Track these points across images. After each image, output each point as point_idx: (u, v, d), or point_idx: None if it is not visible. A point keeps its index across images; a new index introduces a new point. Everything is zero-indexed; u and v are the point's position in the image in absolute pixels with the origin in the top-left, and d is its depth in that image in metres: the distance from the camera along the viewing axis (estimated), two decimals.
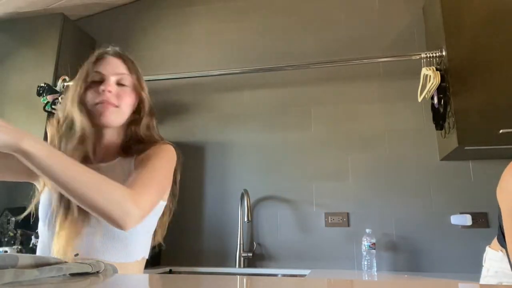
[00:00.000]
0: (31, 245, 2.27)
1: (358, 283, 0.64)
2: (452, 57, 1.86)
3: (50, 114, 2.31)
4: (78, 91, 0.98)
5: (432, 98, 1.96)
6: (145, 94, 1.09)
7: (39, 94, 2.28)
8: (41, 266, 0.57)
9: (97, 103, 0.97)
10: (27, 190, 2.79)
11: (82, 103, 0.97)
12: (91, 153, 0.98)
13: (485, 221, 1.96)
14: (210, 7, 2.67)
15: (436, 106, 1.93)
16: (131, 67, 1.06)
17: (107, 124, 0.98)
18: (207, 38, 2.62)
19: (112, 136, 1.03)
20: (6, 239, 2.33)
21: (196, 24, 2.66)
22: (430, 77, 1.87)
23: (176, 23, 2.70)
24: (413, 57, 2.05)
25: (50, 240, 0.99)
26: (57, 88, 2.33)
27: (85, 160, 0.95)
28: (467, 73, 1.82)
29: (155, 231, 1.10)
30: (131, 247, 0.97)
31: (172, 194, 1.11)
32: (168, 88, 2.53)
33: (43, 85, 2.30)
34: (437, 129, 2.00)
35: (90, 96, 0.98)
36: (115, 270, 0.71)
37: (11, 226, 2.36)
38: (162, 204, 1.07)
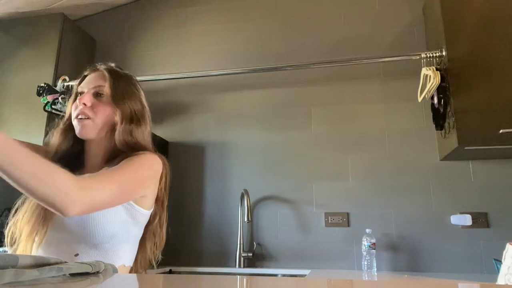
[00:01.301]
0: None
1: (358, 283, 0.64)
2: (452, 57, 1.86)
3: (50, 114, 2.31)
4: (68, 112, 1.06)
5: (432, 98, 1.96)
6: (128, 103, 1.08)
7: (39, 94, 2.28)
8: (41, 266, 0.57)
9: (75, 117, 1.03)
10: None
11: (69, 121, 1.06)
12: (79, 164, 1.05)
13: (485, 221, 1.96)
14: (210, 7, 2.67)
15: (436, 106, 1.93)
16: (114, 78, 1.07)
17: (83, 136, 1.03)
18: (207, 38, 2.62)
19: (96, 146, 1.06)
20: None
21: (196, 24, 2.66)
22: (430, 77, 1.87)
23: (176, 23, 2.70)
24: (413, 57, 2.05)
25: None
26: (57, 88, 2.33)
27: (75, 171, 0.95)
28: (467, 73, 1.82)
29: (144, 240, 1.10)
30: (110, 255, 0.99)
31: (159, 202, 1.11)
32: (168, 88, 2.54)
33: (43, 85, 2.29)
34: (437, 129, 2.00)
35: (72, 112, 1.05)
36: (115, 270, 0.71)
37: None
38: (145, 212, 1.07)
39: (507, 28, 1.81)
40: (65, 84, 2.39)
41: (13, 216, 1.06)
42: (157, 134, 2.30)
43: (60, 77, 2.38)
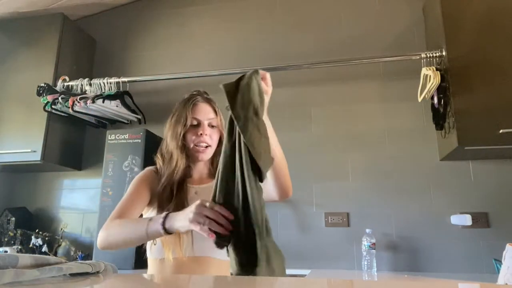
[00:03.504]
0: (31, 245, 2.27)
1: (358, 283, 0.64)
2: (452, 57, 1.86)
3: (50, 114, 2.31)
4: (178, 133, 1.22)
5: (432, 98, 1.96)
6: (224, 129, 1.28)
7: (39, 94, 2.28)
8: (41, 266, 0.57)
9: (196, 144, 1.22)
10: (27, 190, 2.80)
11: (183, 144, 1.22)
12: (188, 178, 1.24)
13: (485, 221, 1.96)
14: (210, 7, 2.67)
15: (436, 106, 1.93)
16: (216, 110, 1.28)
17: (203, 160, 1.25)
18: (207, 38, 2.62)
19: (204, 164, 1.29)
20: (6, 239, 2.33)
21: (196, 24, 2.66)
22: (430, 77, 1.87)
23: (176, 23, 2.70)
24: (413, 57, 2.05)
25: None
26: (57, 88, 2.33)
27: (183, 182, 1.21)
28: (467, 73, 1.82)
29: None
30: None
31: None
32: (168, 88, 2.53)
33: (43, 85, 2.30)
34: (437, 129, 2.00)
35: (190, 138, 1.22)
36: (115, 270, 0.71)
37: (11, 226, 2.36)
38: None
39: (507, 28, 1.81)
40: (65, 84, 2.39)
41: None
42: (157, 134, 2.30)
43: (60, 77, 2.39)
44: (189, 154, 1.23)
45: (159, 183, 1.19)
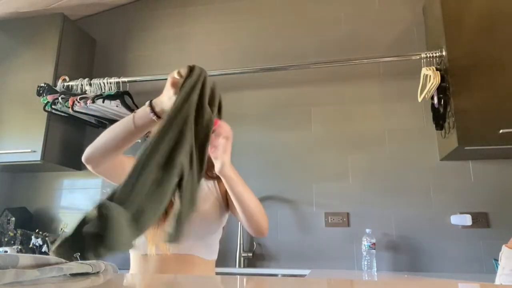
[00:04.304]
0: (31, 245, 2.27)
1: (358, 283, 0.64)
2: (452, 57, 1.86)
3: (50, 114, 2.31)
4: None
5: (432, 98, 1.96)
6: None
7: (39, 94, 2.28)
8: (42, 266, 0.57)
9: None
10: (27, 190, 2.80)
11: None
12: None
13: (485, 221, 1.96)
14: (209, 7, 2.67)
15: (436, 106, 1.93)
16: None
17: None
18: (207, 38, 2.62)
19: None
20: (6, 239, 2.33)
21: (196, 24, 2.66)
22: (430, 77, 1.87)
23: (176, 23, 2.70)
24: (413, 57, 2.05)
25: None
26: (57, 88, 2.33)
27: None
28: (467, 73, 1.82)
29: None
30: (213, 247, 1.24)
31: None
32: None
33: (43, 85, 2.30)
34: (437, 129, 2.00)
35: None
36: (115, 270, 0.71)
37: (11, 226, 2.36)
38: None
39: (507, 28, 1.81)
40: (65, 84, 2.39)
41: None
42: None
43: (60, 77, 2.39)
44: None
45: None
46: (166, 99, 0.91)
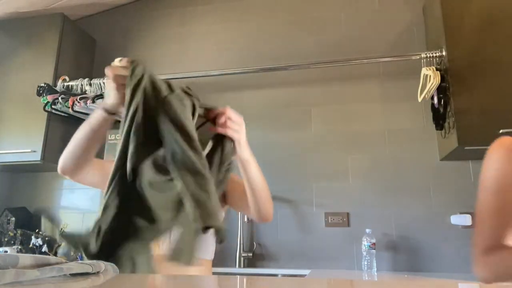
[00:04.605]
0: (31, 245, 2.27)
1: (358, 283, 0.64)
2: (452, 57, 1.86)
3: (50, 114, 2.31)
4: None
5: (432, 98, 1.96)
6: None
7: (39, 94, 2.28)
8: (42, 266, 0.57)
9: None
10: (27, 190, 2.79)
11: None
12: None
13: None
14: (209, 7, 2.67)
15: (436, 106, 1.93)
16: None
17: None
18: (207, 38, 2.62)
19: None
20: (6, 239, 2.33)
21: (196, 24, 2.66)
22: (430, 77, 1.87)
23: (176, 23, 2.70)
24: (413, 57, 2.05)
25: None
26: (57, 88, 2.33)
27: None
28: (467, 73, 1.82)
29: None
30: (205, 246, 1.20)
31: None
32: None
33: (43, 85, 2.30)
34: (437, 129, 2.00)
35: None
36: (115, 270, 0.71)
37: (11, 226, 2.36)
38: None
39: (507, 28, 1.81)
40: (65, 84, 2.39)
41: None
42: None
43: (60, 77, 2.39)
44: None
45: None
46: (108, 93, 0.94)
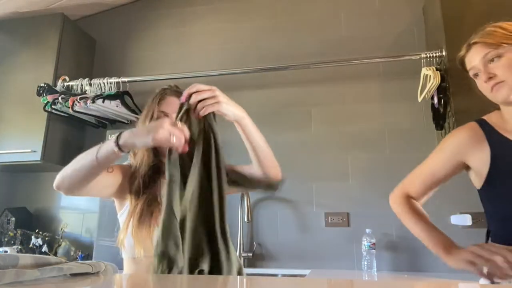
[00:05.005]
0: (31, 245, 2.27)
1: (358, 283, 0.64)
2: (452, 57, 1.86)
3: (50, 114, 2.31)
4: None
5: (432, 98, 1.96)
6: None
7: (39, 94, 2.28)
8: (42, 266, 0.57)
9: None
10: (27, 190, 2.79)
11: None
12: (162, 173, 1.15)
13: (485, 221, 1.96)
14: (210, 7, 2.67)
15: (436, 106, 1.93)
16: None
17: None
18: (207, 38, 2.62)
19: None
20: (6, 239, 2.33)
21: (196, 24, 2.66)
22: (430, 77, 1.87)
23: (176, 23, 2.70)
24: (413, 57, 2.05)
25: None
26: (57, 88, 2.33)
27: (157, 177, 1.16)
28: (467, 73, 1.82)
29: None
30: None
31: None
32: None
33: (43, 85, 2.30)
34: (437, 129, 2.00)
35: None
36: (115, 270, 0.71)
37: (11, 226, 2.36)
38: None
39: None
40: (65, 84, 2.39)
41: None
42: None
43: (60, 77, 2.39)
44: (160, 150, 1.16)
45: (131, 178, 1.16)
46: (144, 132, 0.90)
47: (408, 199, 1.39)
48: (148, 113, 1.18)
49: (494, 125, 1.16)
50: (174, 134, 0.86)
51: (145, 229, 1.03)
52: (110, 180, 1.12)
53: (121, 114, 2.37)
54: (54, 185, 1.02)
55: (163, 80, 2.45)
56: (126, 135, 0.92)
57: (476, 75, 1.15)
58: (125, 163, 1.23)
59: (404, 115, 2.19)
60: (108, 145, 0.93)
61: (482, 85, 1.12)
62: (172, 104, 1.20)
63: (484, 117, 1.22)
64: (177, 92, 1.25)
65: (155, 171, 1.16)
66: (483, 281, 1.09)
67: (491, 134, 1.16)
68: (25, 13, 2.54)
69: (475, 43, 1.12)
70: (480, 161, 1.16)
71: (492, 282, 0.85)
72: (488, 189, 1.18)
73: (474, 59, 1.12)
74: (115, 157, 0.93)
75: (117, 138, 0.92)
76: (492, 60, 1.08)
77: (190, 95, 0.96)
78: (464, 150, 1.22)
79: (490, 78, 1.07)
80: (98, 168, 0.97)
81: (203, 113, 0.96)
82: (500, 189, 1.12)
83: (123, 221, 1.12)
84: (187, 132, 0.88)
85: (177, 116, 0.93)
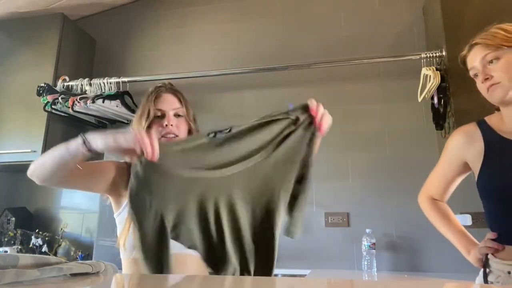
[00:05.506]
0: (31, 245, 2.27)
1: (358, 283, 0.64)
2: (452, 57, 1.86)
3: (50, 114, 2.31)
4: (142, 126, 1.16)
5: (432, 98, 1.95)
6: (193, 119, 1.27)
7: (39, 94, 2.28)
8: (42, 266, 0.57)
9: (163, 135, 1.15)
10: (27, 190, 2.79)
11: None
12: None
13: (485, 221, 1.96)
14: (209, 7, 2.67)
15: (436, 106, 1.93)
16: (182, 100, 1.25)
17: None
18: (207, 38, 2.62)
19: None
20: (6, 239, 2.33)
21: (196, 24, 2.66)
22: (430, 77, 1.87)
23: (176, 23, 2.70)
24: (413, 57, 2.05)
25: None
26: (57, 88, 2.33)
27: None
28: (467, 73, 1.82)
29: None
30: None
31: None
32: None
33: (43, 85, 2.30)
34: (437, 129, 2.00)
35: (157, 130, 1.15)
36: (115, 270, 0.71)
37: (11, 226, 2.36)
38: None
39: None
40: (65, 84, 2.39)
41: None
42: None
43: (60, 77, 2.39)
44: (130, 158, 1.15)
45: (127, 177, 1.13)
46: (114, 136, 0.91)
47: (431, 201, 1.46)
48: (144, 112, 1.18)
49: (493, 125, 1.17)
50: (142, 141, 0.85)
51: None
52: (100, 176, 1.12)
53: (121, 114, 2.37)
54: (28, 172, 1.01)
55: (163, 80, 2.45)
56: (98, 135, 0.93)
57: (476, 75, 1.16)
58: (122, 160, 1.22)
59: (404, 115, 2.19)
60: (78, 140, 0.95)
61: (480, 86, 1.14)
62: (168, 102, 1.20)
63: (485, 118, 1.23)
64: (172, 90, 1.26)
65: None
66: (479, 280, 1.11)
67: (488, 133, 1.19)
68: (25, 13, 2.54)
69: (476, 43, 1.14)
70: (474, 157, 1.21)
71: (486, 282, 0.86)
72: (479, 184, 1.27)
73: (474, 59, 1.14)
74: (83, 157, 0.94)
75: (86, 134, 0.93)
76: (491, 62, 1.09)
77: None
78: (462, 149, 1.25)
79: (486, 79, 1.09)
80: (68, 159, 0.97)
81: (325, 127, 1.06)
82: (491, 184, 1.21)
83: (120, 221, 1.12)
84: (155, 143, 0.86)
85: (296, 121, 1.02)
